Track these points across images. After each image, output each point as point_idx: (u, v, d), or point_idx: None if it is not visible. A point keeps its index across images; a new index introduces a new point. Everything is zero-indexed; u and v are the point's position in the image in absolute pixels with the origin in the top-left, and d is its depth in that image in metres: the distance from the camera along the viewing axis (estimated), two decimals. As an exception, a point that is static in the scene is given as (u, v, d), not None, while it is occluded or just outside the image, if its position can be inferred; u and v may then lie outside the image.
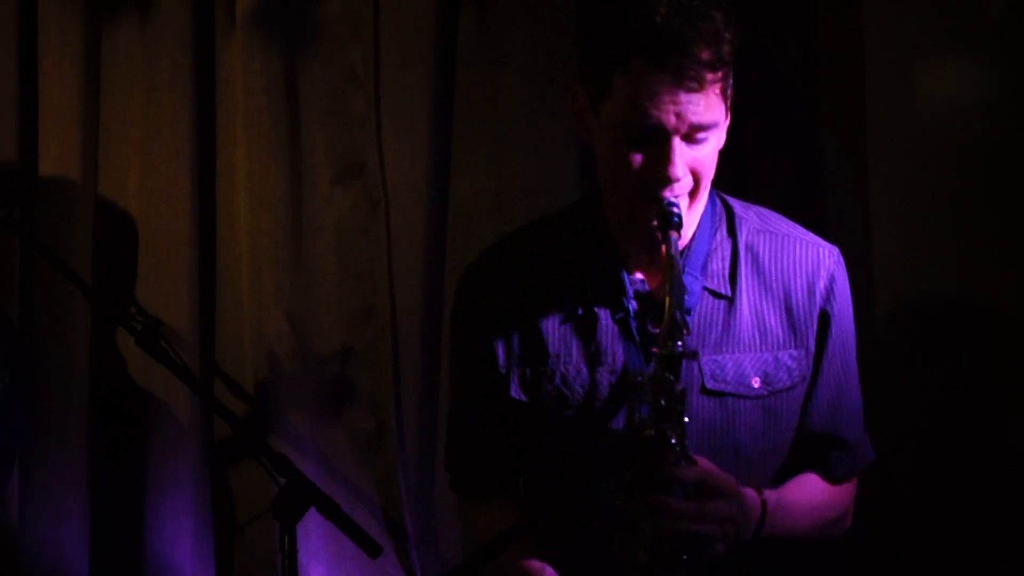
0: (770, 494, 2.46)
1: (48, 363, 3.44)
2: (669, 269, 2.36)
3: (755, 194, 2.80)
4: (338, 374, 3.49)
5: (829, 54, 3.30)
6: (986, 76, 3.20)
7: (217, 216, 3.49)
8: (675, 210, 2.41)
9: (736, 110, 2.52)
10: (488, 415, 2.64)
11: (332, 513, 2.74)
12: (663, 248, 2.40)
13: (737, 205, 2.60)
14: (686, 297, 2.48)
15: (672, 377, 2.32)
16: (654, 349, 2.40)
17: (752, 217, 2.60)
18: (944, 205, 3.22)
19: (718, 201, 2.59)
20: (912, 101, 3.24)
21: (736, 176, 2.90)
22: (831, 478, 2.56)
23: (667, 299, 2.35)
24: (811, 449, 2.57)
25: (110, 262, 3.47)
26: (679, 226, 2.41)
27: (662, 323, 2.36)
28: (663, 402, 2.31)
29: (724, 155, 2.52)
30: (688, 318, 2.51)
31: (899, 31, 3.22)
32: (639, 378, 2.50)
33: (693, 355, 2.39)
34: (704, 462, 2.37)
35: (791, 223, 2.62)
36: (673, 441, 2.31)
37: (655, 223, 2.42)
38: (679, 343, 2.32)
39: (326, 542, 3.36)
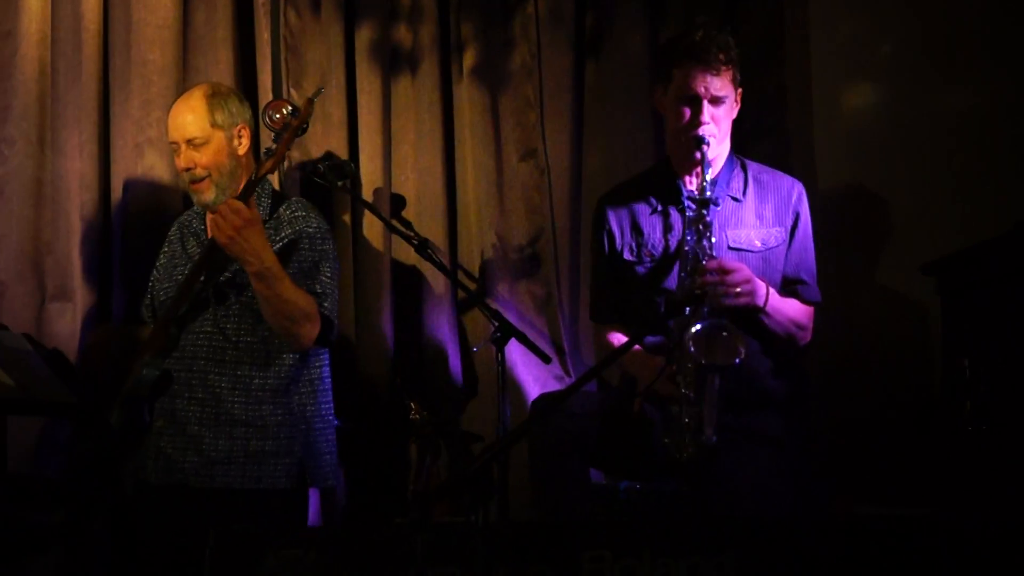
0: (771, 289, 3.18)
1: (367, 264, 4.20)
2: (701, 163, 3.12)
3: (747, 166, 3.39)
4: (525, 265, 4.33)
5: (790, 82, 4.12)
6: (887, 95, 4.05)
7: (456, 183, 4.36)
8: (705, 137, 3.16)
9: (737, 115, 3.38)
10: (611, 272, 3.41)
11: (524, 340, 3.38)
12: (697, 155, 3.15)
13: (748, 160, 3.43)
14: (718, 197, 3.24)
15: (705, 212, 3.09)
16: (690, 200, 3.11)
17: (756, 166, 3.42)
18: (862, 173, 4.08)
19: (736, 159, 3.40)
20: (839, 110, 4.12)
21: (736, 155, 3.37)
22: (800, 299, 3.33)
23: (700, 175, 3.15)
24: (788, 287, 3.31)
25: (399, 208, 4.32)
26: (707, 144, 3.14)
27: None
28: (700, 227, 3.09)
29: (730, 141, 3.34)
30: (716, 209, 3.23)
31: (832, 68, 4.12)
32: (689, 229, 3.03)
33: (714, 202, 3.09)
34: (721, 259, 3.09)
35: (779, 171, 3.45)
36: (708, 248, 3.06)
37: (695, 145, 3.16)
38: (707, 193, 3.10)
39: (521, 356, 4.08)
